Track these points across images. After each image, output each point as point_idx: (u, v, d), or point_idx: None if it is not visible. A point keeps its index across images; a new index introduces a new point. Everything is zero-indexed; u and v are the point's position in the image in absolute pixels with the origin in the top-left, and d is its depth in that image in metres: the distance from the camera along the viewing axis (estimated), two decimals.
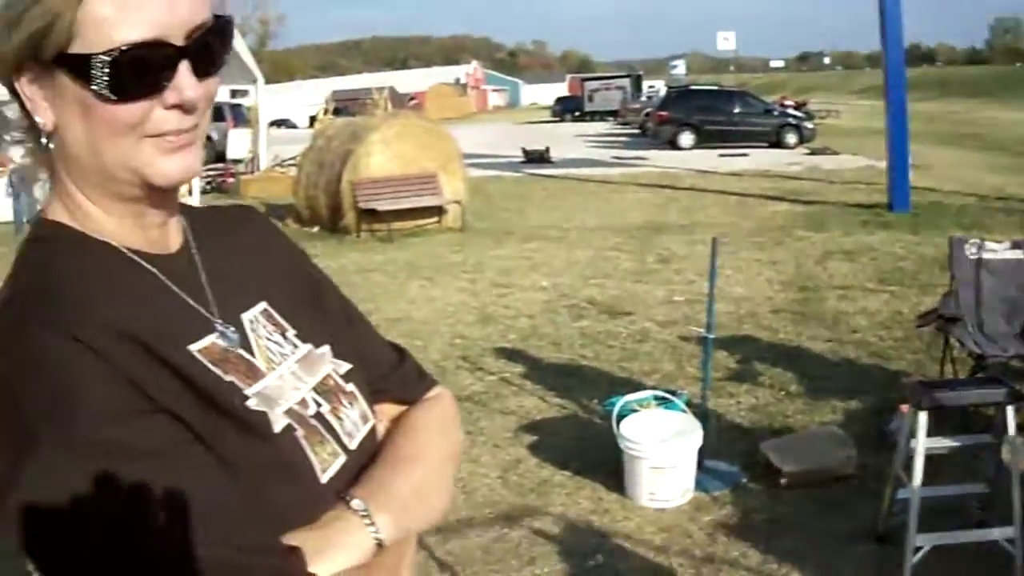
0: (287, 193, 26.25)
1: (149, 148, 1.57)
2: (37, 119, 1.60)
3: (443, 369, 10.41)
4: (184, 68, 1.54)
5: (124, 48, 1.48)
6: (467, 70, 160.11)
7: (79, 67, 1.50)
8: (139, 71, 1.51)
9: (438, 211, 22.03)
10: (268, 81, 46.08)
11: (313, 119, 43.32)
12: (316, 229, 22.23)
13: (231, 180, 33.15)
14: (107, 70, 1.49)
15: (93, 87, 1.50)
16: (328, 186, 22.05)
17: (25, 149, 1.71)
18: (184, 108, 1.56)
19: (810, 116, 49.23)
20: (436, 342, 11.78)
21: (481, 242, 19.85)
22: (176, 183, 1.64)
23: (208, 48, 1.59)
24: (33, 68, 1.56)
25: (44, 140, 1.63)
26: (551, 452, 8.07)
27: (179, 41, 1.52)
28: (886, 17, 20.96)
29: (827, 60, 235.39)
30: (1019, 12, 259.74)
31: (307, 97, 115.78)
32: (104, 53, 1.48)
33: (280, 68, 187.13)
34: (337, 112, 31.85)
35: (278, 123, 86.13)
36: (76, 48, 1.50)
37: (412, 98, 79.17)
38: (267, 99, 40.78)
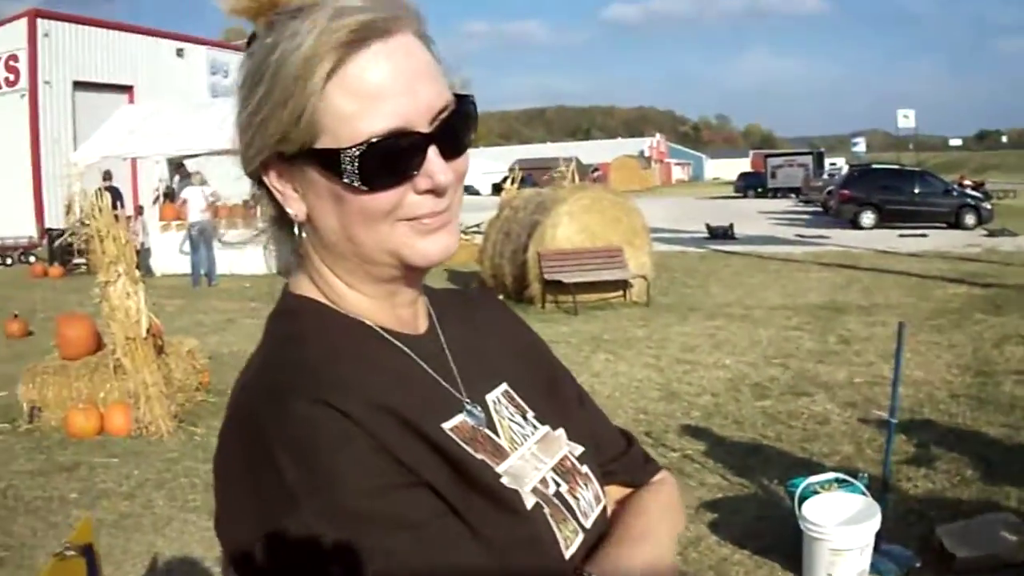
0: (470, 260, 26.41)
1: (405, 230, 1.61)
2: (289, 211, 1.66)
3: None
4: (432, 154, 1.58)
5: (372, 141, 1.53)
6: (651, 143, 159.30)
7: (329, 161, 1.55)
8: (388, 161, 1.54)
9: (623, 285, 22.06)
10: None
11: (497, 187, 43.40)
12: (500, 298, 22.40)
13: None
14: (357, 163, 1.53)
15: (344, 180, 1.55)
16: (514, 256, 22.20)
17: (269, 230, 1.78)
18: (436, 192, 1.60)
19: (988, 196, 48.07)
20: (620, 417, 11.78)
21: (665, 318, 19.89)
22: (436, 263, 1.67)
23: (454, 130, 1.62)
24: (280, 164, 1.63)
25: (296, 230, 1.70)
26: (731, 530, 8.12)
27: (424, 128, 1.57)
28: None
29: (1004, 139, 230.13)
30: None
31: (490, 164, 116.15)
32: (353, 147, 1.53)
33: None
34: (523, 181, 31.98)
35: None
36: (323, 143, 1.55)
37: (596, 169, 78.96)
38: None
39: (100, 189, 13.65)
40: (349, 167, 1.55)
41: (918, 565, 7.25)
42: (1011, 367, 13.88)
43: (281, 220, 1.73)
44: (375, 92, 1.54)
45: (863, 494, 7.48)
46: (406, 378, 1.70)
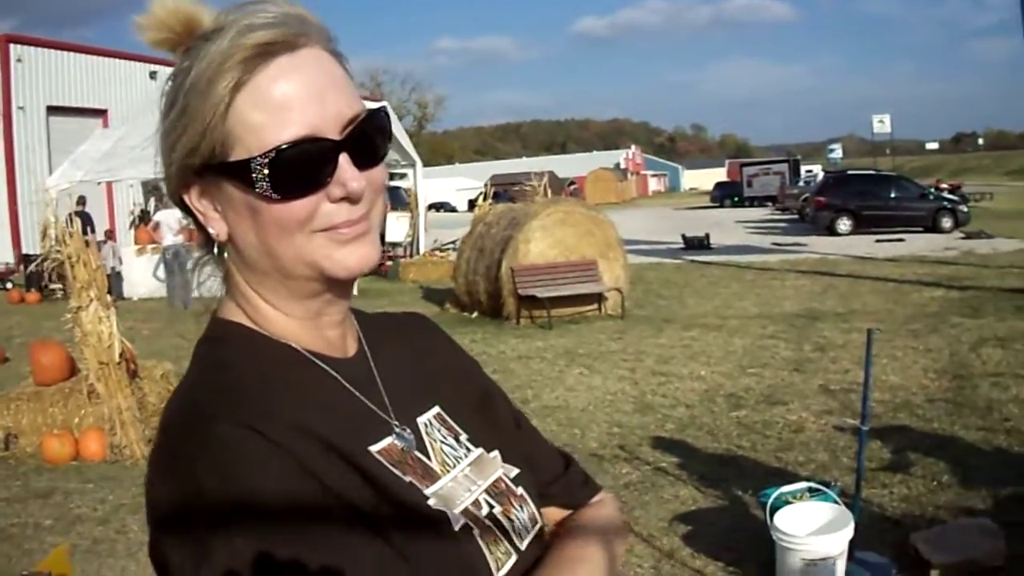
0: (445, 277, 26.58)
1: (323, 240, 1.61)
2: (210, 230, 1.67)
3: (600, 458, 10.51)
4: (344, 161, 1.58)
5: (281, 148, 1.53)
6: (626, 155, 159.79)
7: (241, 173, 1.56)
8: (299, 168, 1.55)
9: (598, 298, 22.06)
10: (426, 164, 46.59)
11: (472, 203, 43.61)
12: (475, 315, 22.48)
13: (389, 264, 33.50)
14: (267, 171, 1.54)
15: (257, 189, 1.56)
16: (488, 272, 22.19)
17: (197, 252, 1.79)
18: (351, 199, 1.60)
19: (965, 199, 48.56)
20: (594, 430, 11.89)
21: (641, 330, 19.84)
22: (355, 274, 1.66)
23: (367, 138, 1.63)
24: (198, 182, 1.64)
25: (216, 250, 1.71)
26: (705, 543, 8.06)
27: (335, 135, 1.57)
28: None
29: (980, 141, 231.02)
30: None
31: (465, 181, 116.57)
32: (262, 156, 1.54)
33: (438, 151, 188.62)
34: (496, 196, 31.94)
35: (436, 206, 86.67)
36: (235, 155, 1.56)
37: (572, 183, 79.20)
38: (425, 182, 41.12)
39: (71, 214, 13.57)
40: (260, 176, 1.55)
41: (895, 572, 7.19)
42: (988, 370, 13.89)
43: (209, 244, 1.73)
44: (283, 102, 1.55)
45: (835, 503, 7.42)
46: (332, 402, 1.69)
